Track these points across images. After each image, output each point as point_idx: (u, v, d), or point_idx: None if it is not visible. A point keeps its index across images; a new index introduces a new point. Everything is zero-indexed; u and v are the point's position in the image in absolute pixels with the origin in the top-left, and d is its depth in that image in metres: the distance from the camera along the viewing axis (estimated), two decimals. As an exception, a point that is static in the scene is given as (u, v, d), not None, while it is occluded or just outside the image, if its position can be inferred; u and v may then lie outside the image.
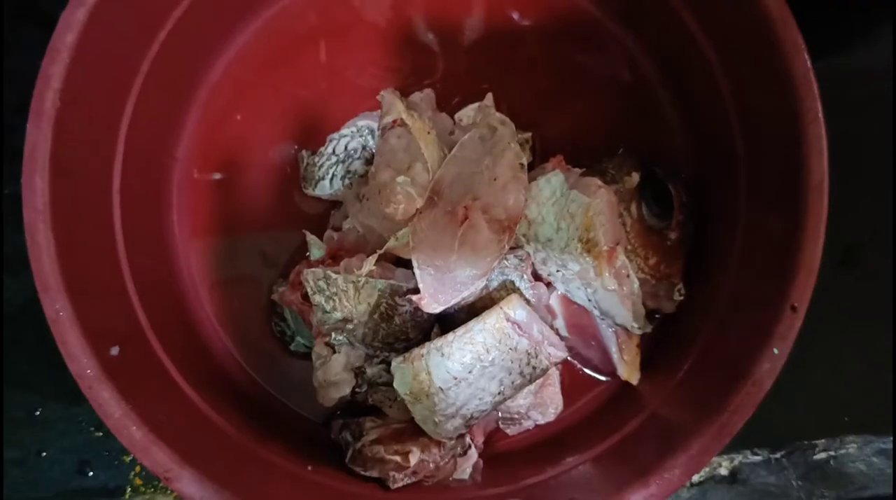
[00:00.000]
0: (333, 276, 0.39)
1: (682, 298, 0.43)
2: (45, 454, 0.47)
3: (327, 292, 0.39)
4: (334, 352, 0.40)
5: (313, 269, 0.39)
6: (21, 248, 0.46)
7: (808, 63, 0.37)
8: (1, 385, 0.48)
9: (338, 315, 0.39)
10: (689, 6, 0.42)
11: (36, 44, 0.49)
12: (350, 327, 0.40)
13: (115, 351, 0.37)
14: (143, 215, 0.43)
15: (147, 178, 0.44)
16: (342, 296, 0.39)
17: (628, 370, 0.43)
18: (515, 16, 0.48)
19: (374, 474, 0.40)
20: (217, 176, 0.46)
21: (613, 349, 0.43)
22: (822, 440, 0.48)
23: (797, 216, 0.36)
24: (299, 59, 0.47)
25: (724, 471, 0.48)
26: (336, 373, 0.40)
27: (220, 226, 0.46)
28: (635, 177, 0.42)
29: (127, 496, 0.47)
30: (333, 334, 0.40)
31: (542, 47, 0.47)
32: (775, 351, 0.36)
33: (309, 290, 0.40)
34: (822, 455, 0.48)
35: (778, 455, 0.48)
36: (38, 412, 0.47)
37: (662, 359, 0.43)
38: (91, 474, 0.47)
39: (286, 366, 0.45)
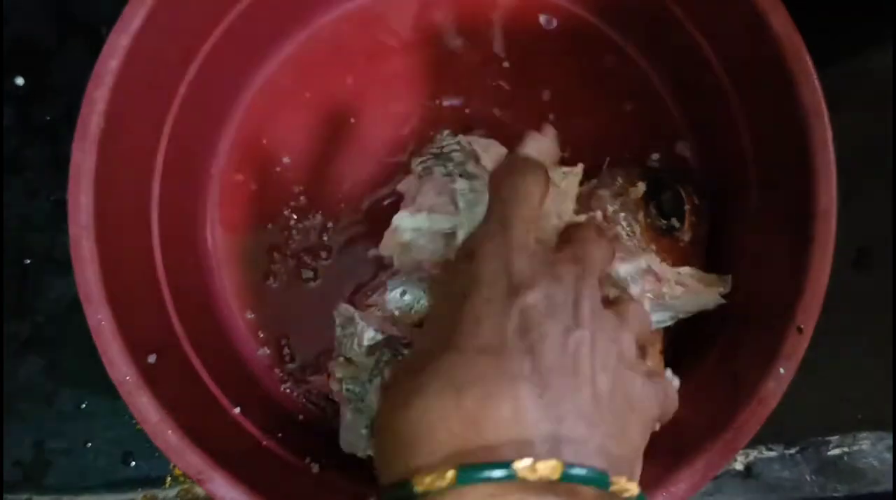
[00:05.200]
0: (357, 318, 0.40)
1: None
2: (90, 444, 0.50)
3: (346, 330, 0.41)
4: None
5: (346, 305, 0.41)
6: (66, 250, 0.48)
7: (819, 92, 0.38)
8: (1, 375, 0.51)
9: (347, 353, 0.41)
10: (706, 35, 0.44)
11: (81, 58, 0.52)
12: (354, 374, 0.41)
13: (152, 359, 0.39)
14: (179, 229, 0.45)
15: (184, 193, 0.46)
16: (354, 337, 0.41)
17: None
18: (542, 20, 0.49)
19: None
20: (250, 190, 0.48)
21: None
22: (836, 437, 0.49)
23: (805, 240, 0.37)
24: (330, 79, 0.49)
25: (739, 466, 0.50)
26: (358, 432, 0.42)
27: (253, 240, 0.48)
28: (641, 187, 0.43)
29: (167, 485, 0.50)
30: (348, 381, 0.42)
31: (566, 66, 0.49)
32: (781, 371, 0.37)
33: (339, 321, 0.41)
34: (836, 451, 0.49)
35: (792, 451, 0.49)
36: (84, 406, 0.50)
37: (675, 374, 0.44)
38: (134, 464, 0.50)
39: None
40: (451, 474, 0.24)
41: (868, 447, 0.49)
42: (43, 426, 0.50)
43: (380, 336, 0.40)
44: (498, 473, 0.23)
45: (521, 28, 0.49)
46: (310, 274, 0.47)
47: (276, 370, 0.47)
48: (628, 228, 0.42)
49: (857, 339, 0.49)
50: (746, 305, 0.42)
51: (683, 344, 0.45)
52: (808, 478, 0.49)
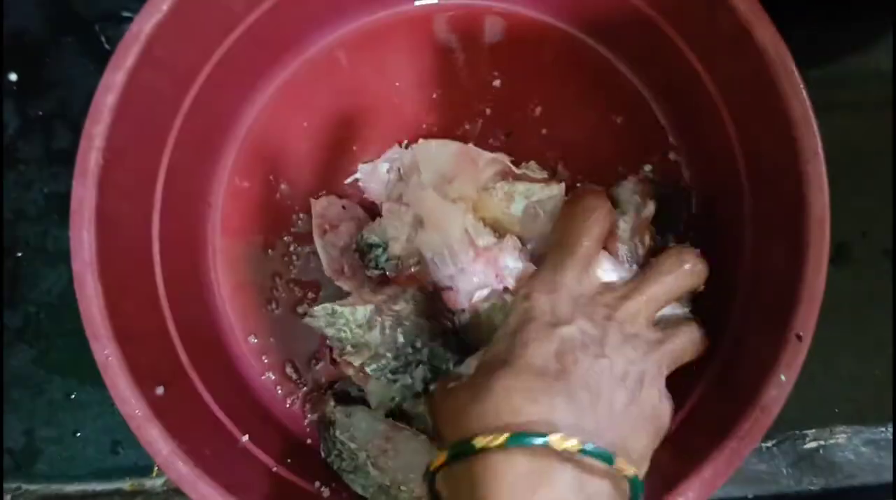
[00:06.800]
0: (339, 309, 0.42)
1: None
2: (80, 434, 0.51)
3: (337, 325, 0.42)
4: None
5: (322, 305, 0.42)
6: (59, 242, 0.51)
7: (808, 103, 0.38)
8: (1, 369, 0.51)
9: (352, 341, 0.42)
10: (693, 49, 0.44)
11: (74, 54, 0.53)
12: (371, 353, 0.42)
13: (160, 391, 0.40)
14: (181, 259, 0.46)
15: (184, 223, 0.47)
16: (350, 324, 0.42)
17: None
18: (531, 37, 0.50)
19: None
20: (249, 219, 0.49)
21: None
22: (812, 430, 0.50)
23: (800, 249, 0.38)
24: (328, 106, 0.49)
25: (715, 459, 0.50)
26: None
27: (255, 269, 0.49)
28: (651, 207, 0.43)
29: (154, 475, 0.51)
30: (369, 363, 0.42)
31: (556, 81, 0.50)
32: (782, 378, 0.37)
33: (323, 323, 0.42)
34: (812, 445, 0.50)
35: (769, 444, 0.50)
36: (74, 395, 0.51)
37: (676, 386, 0.45)
38: (122, 453, 0.51)
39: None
40: (504, 437, 0.32)
41: (844, 441, 0.50)
42: (33, 415, 0.51)
43: (370, 308, 0.42)
44: (538, 440, 0.32)
45: (511, 46, 0.50)
46: (311, 297, 0.48)
47: (281, 395, 0.48)
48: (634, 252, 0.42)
49: (835, 335, 0.49)
50: (745, 314, 0.42)
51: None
52: (785, 471, 0.50)
